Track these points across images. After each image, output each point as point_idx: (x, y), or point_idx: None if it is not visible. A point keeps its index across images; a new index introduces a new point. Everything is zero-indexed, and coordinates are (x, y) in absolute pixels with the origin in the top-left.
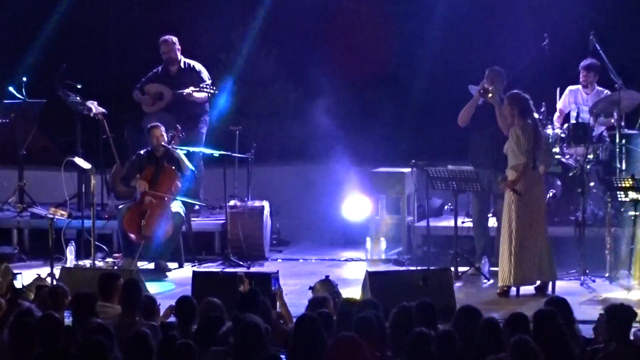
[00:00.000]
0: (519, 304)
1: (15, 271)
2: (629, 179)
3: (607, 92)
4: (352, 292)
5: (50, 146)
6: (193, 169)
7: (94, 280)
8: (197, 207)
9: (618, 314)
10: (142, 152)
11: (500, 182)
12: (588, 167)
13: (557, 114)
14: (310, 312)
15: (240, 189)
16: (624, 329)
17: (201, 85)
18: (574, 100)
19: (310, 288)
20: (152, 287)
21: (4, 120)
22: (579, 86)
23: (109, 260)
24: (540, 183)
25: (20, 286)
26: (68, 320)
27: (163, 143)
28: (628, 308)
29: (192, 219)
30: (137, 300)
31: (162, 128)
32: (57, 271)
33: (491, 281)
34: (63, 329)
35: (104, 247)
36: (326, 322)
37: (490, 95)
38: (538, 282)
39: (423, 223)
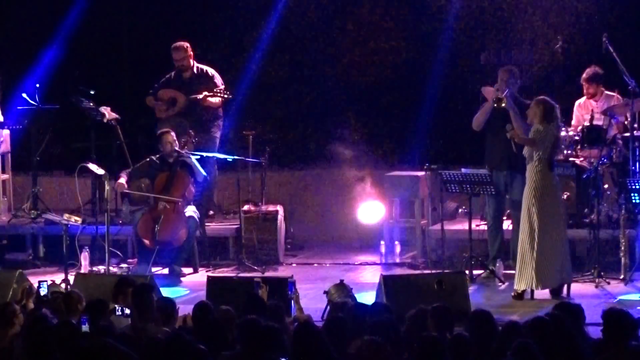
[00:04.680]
0: (534, 306)
1: (29, 278)
2: None
3: (616, 96)
4: (367, 296)
5: (64, 152)
6: (205, 174)
7: (108, 286)
8: (211, 212)
9: (615, 319)
10: (154, 157)
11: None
12: (602, 169)
13: (571, 130)
14: (309, 321)
15: (254, 194)
16: (620, 335)
17: (215, 90)
18: (585, 111)
19: (325, 292)
20: (167, 293)
21: (17, 127)
22: (585, 97)
23: (124, 266)
24: (558, 186)
25: (44, 293)
26: (85, 327)
27: (175, 148)
28: (627, 315)
29: (206, 223)
30: (149, 306)
31: (173, 134)
32: (71, 277)
33: (506, 284)
34: (80, 335)
35: (119, 252)
36: (341, 327)
37: (503, 104)
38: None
39: (437, 226)
